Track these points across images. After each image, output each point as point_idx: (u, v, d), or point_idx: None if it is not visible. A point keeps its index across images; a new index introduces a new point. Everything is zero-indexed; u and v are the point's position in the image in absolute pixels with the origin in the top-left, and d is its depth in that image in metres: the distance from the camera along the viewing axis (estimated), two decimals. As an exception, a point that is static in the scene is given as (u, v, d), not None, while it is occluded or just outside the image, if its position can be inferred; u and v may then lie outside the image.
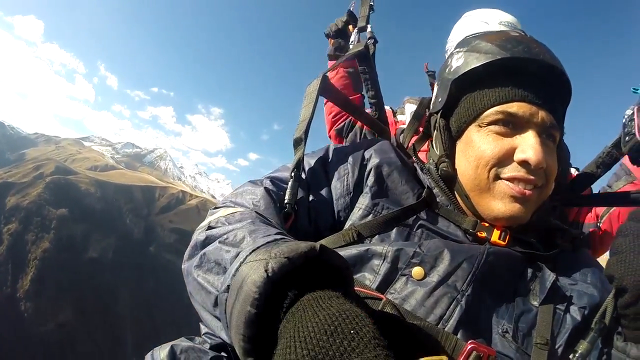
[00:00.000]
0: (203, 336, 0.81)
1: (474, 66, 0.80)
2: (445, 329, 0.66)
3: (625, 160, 1.08)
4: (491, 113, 0.79)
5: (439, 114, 0.89)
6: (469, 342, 0.61)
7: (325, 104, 1.87)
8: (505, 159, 0.77)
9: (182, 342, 0.76)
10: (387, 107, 1.69)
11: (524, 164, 0.75)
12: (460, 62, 0.84)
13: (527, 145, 0.75)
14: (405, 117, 1.73)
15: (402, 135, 1.28)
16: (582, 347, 0.68)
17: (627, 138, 0.85)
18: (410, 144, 1.10)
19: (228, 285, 0.54)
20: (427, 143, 1.08)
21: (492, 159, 0.78)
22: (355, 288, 0.67)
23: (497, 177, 0.78)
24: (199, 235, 0.75)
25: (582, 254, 0.87)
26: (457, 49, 0.87)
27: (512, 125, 0.78)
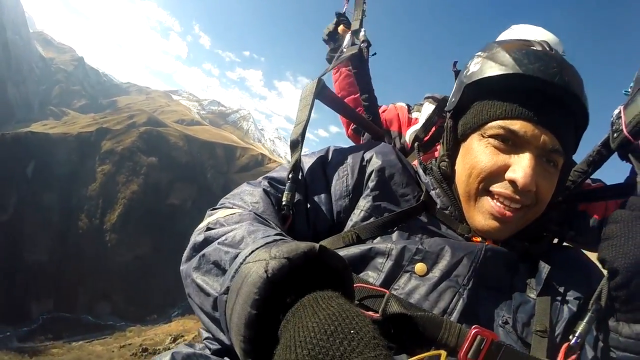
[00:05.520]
0: (204, 341, 0.79)
1: (486, 75, 0.79)
2: None
3: None
4: (494, 126, 0.78)
5: (450, 114, 0.90)
6: (473, 327, 0.65)
7: None
8: (496, 175, 0.78)
9: (183, 349, 0.75)
10: (401, 104, 1.77)
11: (512, 183, 0.76)
12: (476, 68, 0.82)
13: (520, 167, 0.74)
14: (420, 115, 1.67)
15: (412, 134, 1.26)
16: (580, 327, 0.70)
17: (615, 135, 0.86)
18: (415, 145, 1.10)
19: (227, 287, 0.54)
20: (436, 145, 1.09)
21: (483, 172, 0.78)
22: (359, 285, 0.70)
23: (485, 191, 0.79)
24: (197, 236, 0.74)
25: (575, 251, 0.91)
26: (479, 53, 0.85)
27: (512, 142, 0.77)
